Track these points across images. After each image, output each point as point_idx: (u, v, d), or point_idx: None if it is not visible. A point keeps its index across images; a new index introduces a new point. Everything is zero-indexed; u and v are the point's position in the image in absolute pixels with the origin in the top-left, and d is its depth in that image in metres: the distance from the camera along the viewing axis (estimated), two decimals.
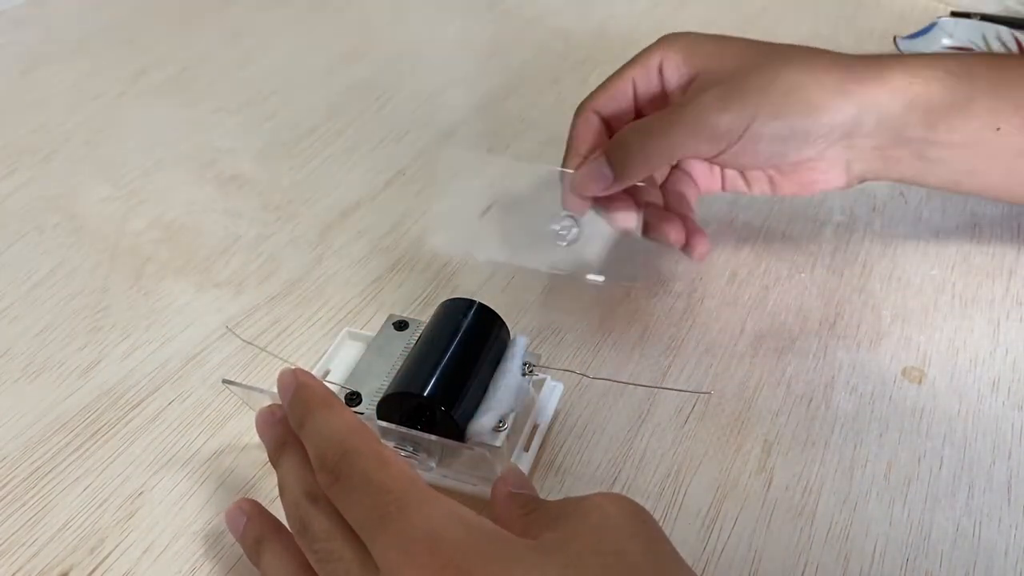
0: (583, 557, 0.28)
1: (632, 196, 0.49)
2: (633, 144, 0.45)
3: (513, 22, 0.83)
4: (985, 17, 0.77)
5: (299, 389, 0.34)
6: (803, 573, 0.39)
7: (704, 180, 0.53)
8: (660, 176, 0.52)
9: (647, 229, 0.49)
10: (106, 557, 0.40)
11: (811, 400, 0.47)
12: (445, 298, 0.45)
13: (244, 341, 0.49)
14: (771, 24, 0.82)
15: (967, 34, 0.75)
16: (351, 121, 0.69)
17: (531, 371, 0.43)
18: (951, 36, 0.75)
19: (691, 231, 0.49)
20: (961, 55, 0.49)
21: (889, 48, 0.76)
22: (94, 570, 0.39)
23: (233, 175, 0.63)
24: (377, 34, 0.80)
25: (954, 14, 0.78)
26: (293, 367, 0.36)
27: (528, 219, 0.53)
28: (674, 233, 0.48)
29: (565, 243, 0.49)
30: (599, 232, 0.51)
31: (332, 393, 0.35)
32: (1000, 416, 0.46)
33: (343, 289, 0.53)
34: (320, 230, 0.58)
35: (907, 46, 0.72)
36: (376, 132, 0.67)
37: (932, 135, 0.46)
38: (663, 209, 0.50)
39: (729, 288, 0.53)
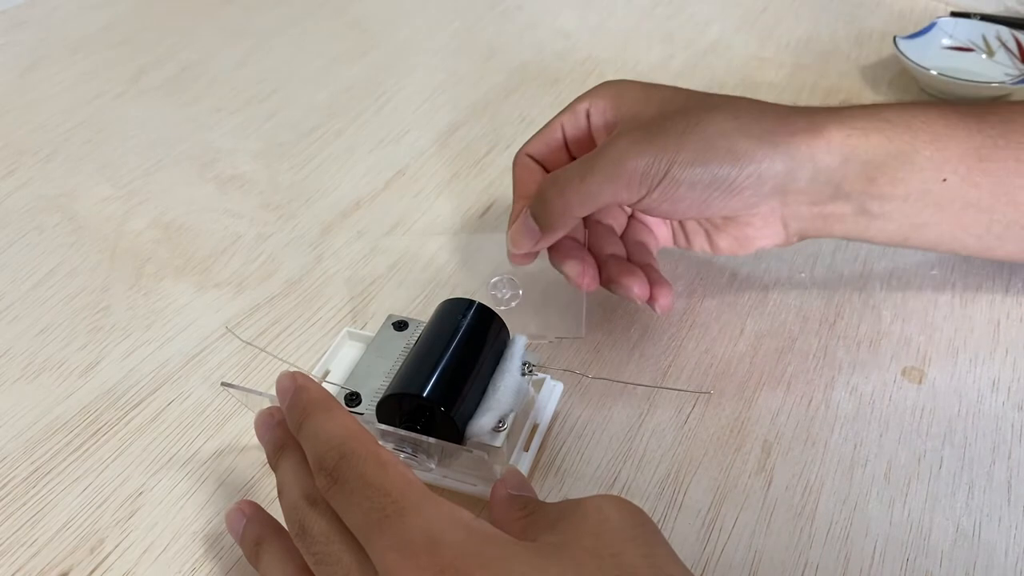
0: (581, 559, 0.28)
1: (591, 248, 0.48)
2: (551, 195, 0.44)
3: (513, 22, 0.83)
4: (985, 17, 0.77)
5: (297, 392, 0.34)
6: (803, 573, 0.39)
7: (659, 232, 0.51)
8: (619, 226, 0.51)
9: (609, 282, 0.47)
10: (106, 557, 0.40)
11: (811, 400, 0.47)
12: (445, 298, 0.45)
13: (244, 341, 0.49)
14: (771, 24, 0.82)
15: (967, 34, 0.75)
16: (351, 121, 0.69)
17: (531, 371, 0.43)
18: (951, 36, 0.75)
19: (654, 282, 0.46)
20: (901, 104, 0.45)
21: (889, 48, 0.76)
22: (94, 570, 0.39)
23: (233, 175, 0.63)
24: (377, 34, 0.80)
25: (954, 14, 0.78)
26: (292, 370, 0.36)
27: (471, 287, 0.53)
28: (637, 287, 0.46)
29: (503, 307, 0.47)
30: (540, 289, 0.51)
31: (330, 396, 0.35)
32: (1000, 416, 0.46)
33: (343, 289, 0.53)
34: (320, 230, 0.58)
35: (907, 46, 0.72)
36: (376, 132, 0.67)
37: (874, 188, 0.44)
38: (625, 260, 0.48)
39: (729, 288, 0.53)
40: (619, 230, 0.51)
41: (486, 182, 0.62)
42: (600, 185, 0.43)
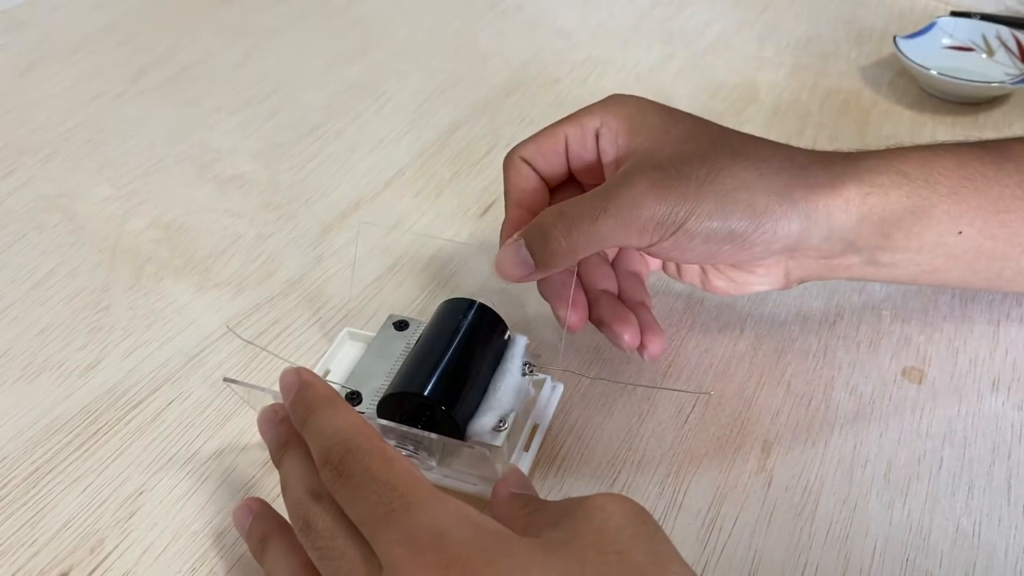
0: (585, 556, 0.28)
1: (581, 278, 0.45)
2: (556, 233, 0.40)
3: (513, 22, 0.83)
4: (985, 17, 0.77)
5: (302, 388, 0.35)
6: (803, 573, 0.39)
7: (651, 259, 0.49)
8: (611, 252, 0.48)
9: (600, 324, 0.45)
10: (106, 557, 0.40)
11: (811, 400, 0.47)
12: (445, 298, 0.45)
13: (244, 341, 0.49)
14: (771, 24, 0.82)
15: (967, 34, 0.75)
16: (351, 121, 0.69)
17: (531, 371, 0.43)
18: (951, 36, 0.75)
19: (645, 327, 0.44)
20: (920, 153, 0.43)
21: (889, 48, 0.76)
22: (94, 570, 0.39)
23: (233, 175, 0.63)
24: (377, 34, 0.80)
25: (954, 14, 0.78)
26: (295, 366, 0.36)
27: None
28: (628, 335, 0.43)
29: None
30: (524, 311, 0.49)
31: (335, 392, 0.35)
32: (1000, 416, 0.46)
33: (343, 289, 0.53)
34: (320, 230, 0.58)
35: (907, 46, 0.72)
36: (376, 132, 0.67)
37: (887, 243, 0.43)
38: (617, 300, 0.46)
39: None
40: (610, 256, 0.48)
41: (486, 182, 0.62)
42: (612, 230, 0.40)
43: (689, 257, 0.42)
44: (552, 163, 0.45)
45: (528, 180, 0.45)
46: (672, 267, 0.49)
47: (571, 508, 0.31)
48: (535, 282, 0.45)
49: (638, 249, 0.42)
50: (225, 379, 0.41)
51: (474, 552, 0.28)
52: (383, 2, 0.85)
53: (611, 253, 0.49)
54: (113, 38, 0.79)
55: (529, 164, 0.45)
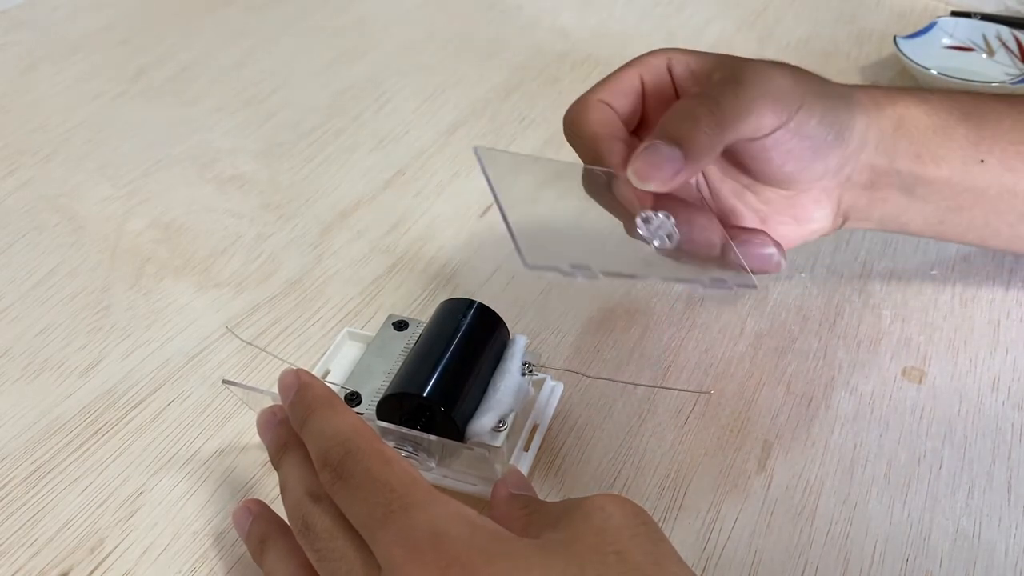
0: (585, 556, 0.28)
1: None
2: (701, 112, 0.39)
3: (513, 22, 0.83)
4: (985, 17, 0.77)
5: (301, 389, 0.35)
6: (803, 573, 0.39)
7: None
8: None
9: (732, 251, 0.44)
10: (106, 557, 0.40)
11: (811, 400, 0.47)
12: (445, 298, 0.45)
13: (244, 341, 0.49)
14: (771, 24, 0.82)
15: (967, 34, 0.75)
16: (351, 121, 0.69)
17: (531, 371, 0.43)
18: (951, 36, 0.75)
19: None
20: (944, 89, 0.48)
21: (889, 48, 0.76)
22: (94, 570, 0.39)
23: (233, 175, 0.63)
24: (377, 34, 0.80)
25: (954, 14, 0.78)
26: (294, 367, 0.36)
27: (607, 225, 0.44)
28: (772, 250, 0.45)
29: (658, 243, 0.42)
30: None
31: (334, 393, 0.35)
32: (1000, 416, 0.46)
33: (343, 289, 0.53)
34: (320, 230, 0.58)
35: (907, 46, 0.72)
36: (376, 132, 0.67)
37: (919, 167, 0.45)
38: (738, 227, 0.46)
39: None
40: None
41: (486, 182, 0.62)
42: (754, 101, 0.40)
43: (785, 162, 0.43)
44: (630, 101, 0.44)
45: (611, 121, 0.43)
46: (748, 215, 0.47)
47: (570, 509, 0.31)
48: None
49: (761, 137, 0.41)
50: (224, 381, 0.41)
51: (473, 553, 0.28)
52: (383, 2, 0.85)
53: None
54: (113, 38, 0.79)
55: (609, 106, 0.43)
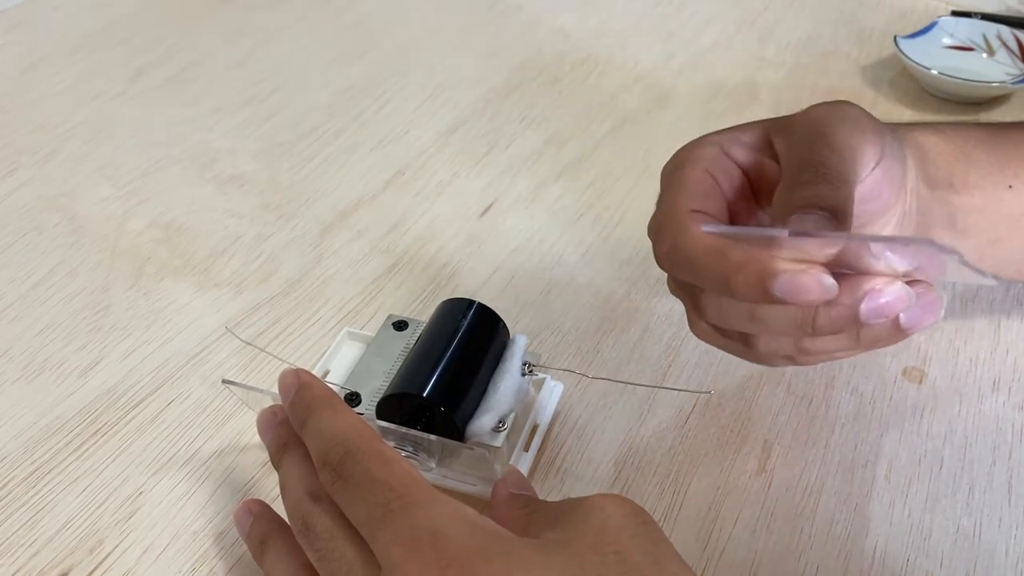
0: (584, 556, 0.28)
1: None
2: (818, 174, 0.35)
3: (513, 22, 0.83)
4: (985, 16, 0.77)
5: (301, 389, 0.35)
6: (803, 573, 0.39)
7: None
8: None
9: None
10: (106, 557, 0.40)
11: (811, 400, 0.47)
12: (445, 298, 0.45)
13: (244, 341, 0.49)
14: (771, 24, 0.82)
15: (967, 33, 0.75)
16: (351, 121, 0.69)
17: (531, 371, 0.43)
18: (951, 36, 0.75)
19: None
20: (948, 121, 0.46)
21: (889, 48, 0.76)
22: (94, 570, 0.39)
23: (233, 175, 0.63)
24: (377, 34, 0.80)
25: (955, 13, 0.78)
26: (294, 367, 0.36)
27: None
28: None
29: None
30: None
31: (334, 393, 0.35)
32: (1000, 416, 0.46)
33: (343, 289, 0.53)
34: (320, 230, 0.58)
35: (907, 46, 0.72)
36: (376, 132, 0.67)
37: (954, 196, 0.42)
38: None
39: None
40: None
41: (486, 182, 0.62)
42: (850, 139, 0.36)
43: (881, 192, 0.39)
44: (715, 202, 0.38)
45: (719, 250, 0.35)
46: None
47: (570, 508, 0.31)
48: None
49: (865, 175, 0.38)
50: (224, 381, 0.41)
51: (472, 552, 0.28)
52: (383, 2, 0.85)
53: None
54: (113, 38, 0.79)
55: (703, 212, 0.37)
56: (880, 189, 0.39)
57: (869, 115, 0.40)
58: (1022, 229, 0.45)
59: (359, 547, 0.30)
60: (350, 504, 0.30)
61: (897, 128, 0.43)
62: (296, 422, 0.34)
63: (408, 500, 0.29)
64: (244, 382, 0.47)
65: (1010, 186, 0.44)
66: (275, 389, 0.36)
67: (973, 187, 0.44)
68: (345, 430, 0.32)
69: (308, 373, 0.35)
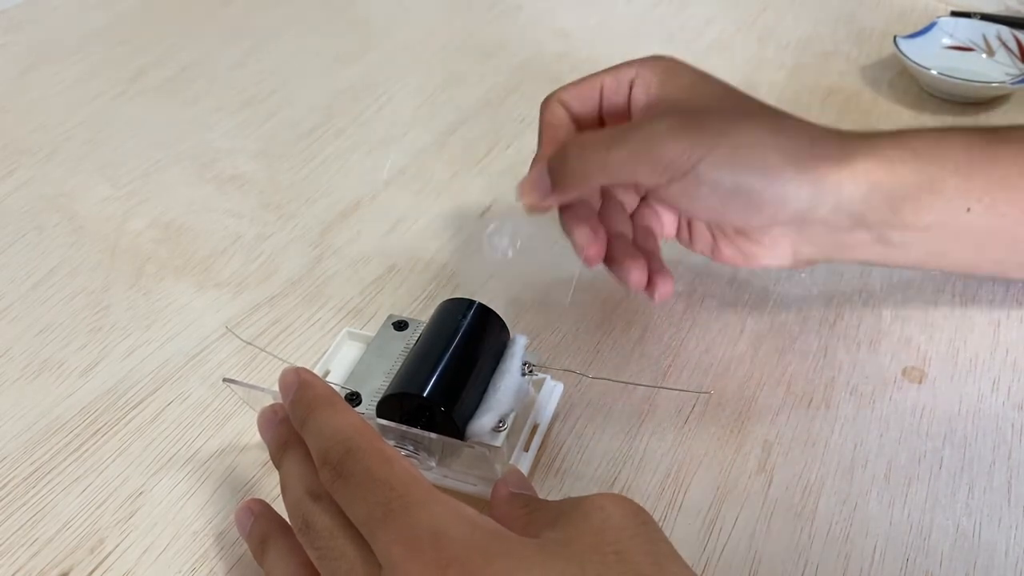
0: (584, 556, 0.29)
1: (601, 220, 0.46)
2: (572, 155, 0.43)
3: (513, 22, 0.83)
4: (985, 16, 0.77)
5: (301, 388, 0.35)
6: (803, 573, 0.39)
7: (666, 221, 0.49)
8: (629, 206, 0.49)
9: (611, 261, 0.45)
10: (106, 557, 0.40)
11: (811, 400, 0.47)
12: (445, 298, 0.45)
13: (244, 341, 0.49)
14: (771, 24, 0.82)
15: (967, 34, 0.75)
16: (351, 121, 0.69)
17: (531, 371, 0.43)
18: (951, 36, 0.75)
19: (655, 270, 0.45)
20: (928, 132, 0.44)
21: (889, 48, 0.76)
22: (94, 570, 0.39)
23: (233, 175, 0.63)
24: (377, 34, 0.80)
25: (954, 13, 0.78)
26: (295, 366, 0.36)
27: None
28: (636, 273, 0.44)
29: (499, 255, 0.46)
30: (537, 247, 0.49)
31: (334, 392, 0.35)
32: (1000, 416, 0.46)
33: (343, 289, 0.53)
34: (320, 230, 0.58)
35: (907, 46, 0.72)
36: (376, 132, 0.67)
37: (896, 219, 0.43)
38: (630, 243, 0.46)
39: (729, 288, 0.53)
40: (629, 210, 0.49)
41: (486, 182, 0.62)
42: (624, 160, 0.42)
43: (696, 209, 0.44)
44: (586, 106, 0.47)
45: (561, 120, 0.47)
46: (684, 234, 0.49)
47: (570, 508, 0.31)
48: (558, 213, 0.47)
49: (648, 187, 0.44)
50: (225, 379, 0.41)
51: (472, 552, 0.28)
52: (383, 2, 0.85)
53: (629, 207, 0.49)
54: (113, 38, 0.79)
55: (564, 107, 0.47)
56: (696, 204, 0.43)
57: (697, 145, 0.41)
58: (971, 243, 0.44)
59: (360, 546, 0.30)
60: (350, 503, 0.30)
61: (840, 152, 0.42)
62: (296, 421, 0.34)
63: (408, 499, 0.29)
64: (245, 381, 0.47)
65: (968, 209, 0.43)
66: (276, 388, 0.36)
67: (922, 212, 0.43)
68: (346, 429, 0.32)
69: (309, 372, 0.35)
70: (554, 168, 0.44)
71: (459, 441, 0.40)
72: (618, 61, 0.47)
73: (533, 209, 0.45)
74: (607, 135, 0.43)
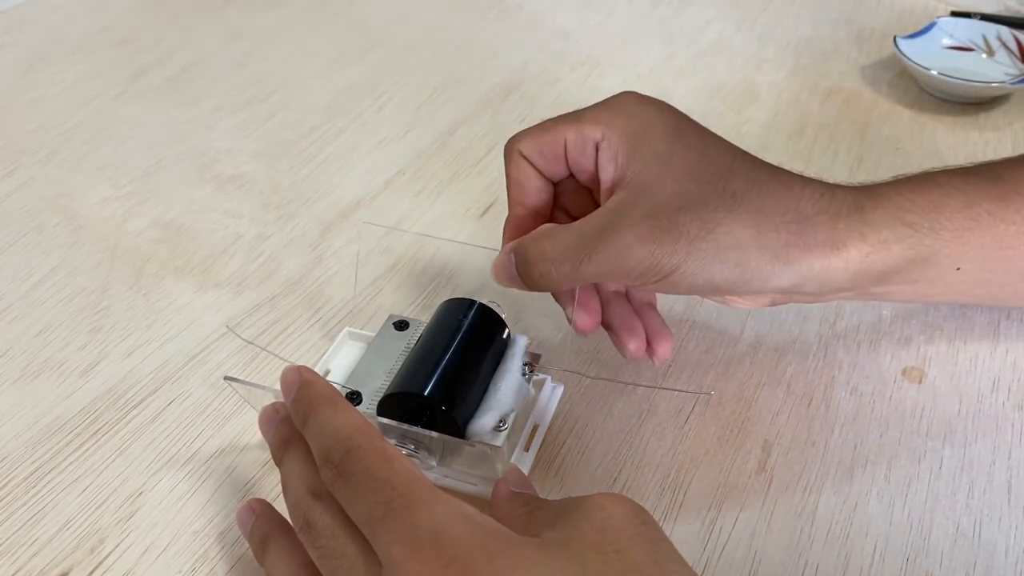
0: (585, 555, 0.29)
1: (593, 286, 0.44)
2: (540, 266, 0.40)
3: (513, 22, 0.83)
4: (985, 17, 0.77)
5: (303, 386, 0.35)
6: (803, 573, 0.39)
7: None
8: None
9: (609, 328, 0.44)
10: (106, 557, 0.40)
11: (811, 400, 0.47)
12: (445, 298, 0.45)
13: (244, 341, 0.49)
14: (771, 24, 0.82)
15: (967, 34, 0.75)
16: (351, 121, 0.69)
17: (531, 371, 0.43)
18: (951, 36, 0.75)
19: (653, 332, 0.44)
20: (928, 192, 0.42)
21: (889, 48, 0.76)
22: (94, 570, 0.39)
23: (233, 175, 0.63)
24: (377, 34, 0.80)
25: (954, 14, 0.78)
26: (296, 365, 0.36)
27: None
28: (633, 344, 0.43)
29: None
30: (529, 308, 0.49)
31: (336, 390, 0.35)
32: (1000, 416, 0.46)
33: (343, 289, 0.53)
34: (320, 230, 0.58)
35: (907, 46, 0.72)
36: (376, 132, 0.67)
37: (881, 287, 0.42)
38: (627, 303, 0.45)
39: None
40: None
41: (486, 182, 0.62)
42: (595, 273, 0.39)
43: (675, 293, 0.43)
44: (551, 164, 0.44)
45: (528, 177, 0.44)
46: None
47: (571, 508, 0.31)
48: None
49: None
50: (226, 378, 0.41)
51: (473, 550, 0.28)
52: (383, 2, 0.85)
53: None
54: (113, 38, 0.79)
55: (529, 161, 0.44)
56: (677, 289, 0.41)
57: (676, 247, 0.39)
58: (958, 292, 0.44)
59: (360, 545, 0.30)
60: (351, 502, 0.31)
61: (844, 244, 0.40)
62: (298, 419, 0.34)
63: (409, 499, 0.29)
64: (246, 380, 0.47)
65: (958, 268, 0.42)
66: (277, 387, 0.36)
67: (915, 279, 0.42)
68: (347, 428, 0.32)
69: (310, 370, 0.35)
70: (523, 271, 0.41)
71: (460, 440, 0.40)
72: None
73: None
74: (575, 248, 0.39)
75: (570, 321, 0.44)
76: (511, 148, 0.44)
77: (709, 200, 0.39)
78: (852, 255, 0.40)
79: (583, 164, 0.43)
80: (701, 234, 0.39)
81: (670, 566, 0.29)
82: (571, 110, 0.47)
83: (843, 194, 0.41)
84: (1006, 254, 0.43)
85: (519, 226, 0.43)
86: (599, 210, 0.41)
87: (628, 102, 0.43)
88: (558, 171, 0.44)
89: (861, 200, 0.41)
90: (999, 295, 0.46)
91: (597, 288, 0.45)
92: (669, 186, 0.40)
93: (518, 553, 0.28)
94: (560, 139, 0.43)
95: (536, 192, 0.44)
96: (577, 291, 0.43)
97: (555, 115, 0.45)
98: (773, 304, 0.45)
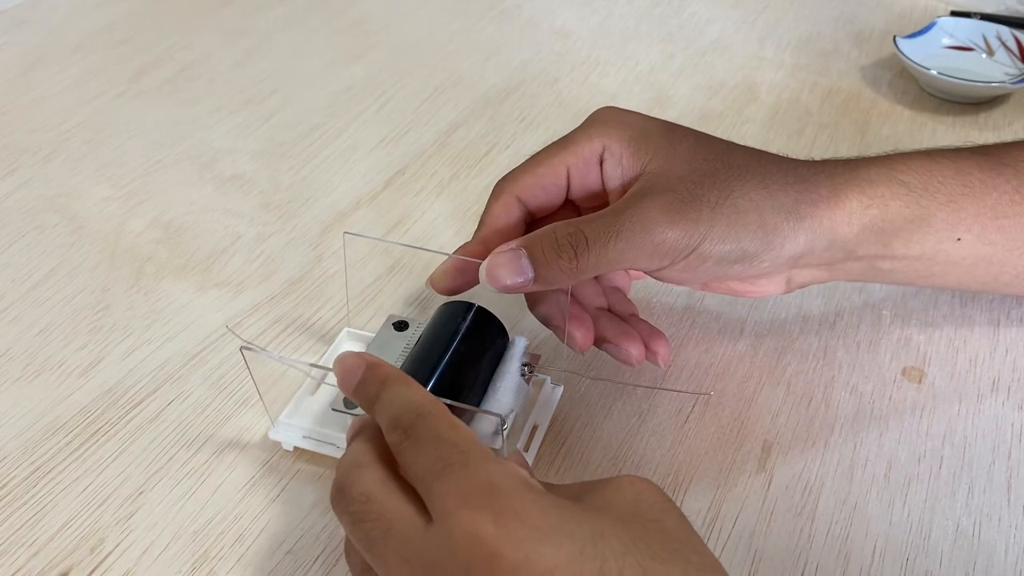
0: (627, 520, 0.29)
1: (574, 297, 0.44)
2: (567, 250, 0.39)
3: (513, 22, 0.83)
4: (985, 16, 0.77)
5: (372, 367, 0.35)
6: (803, 573, 0.39)
7: (632, 271, 0.48)
8: None
9: (602, 342, 0.44)
10: (106, 557, 0.40)
11: (811, 400, 0.47)
12: (444, 300, 0.45)
13: (244, 341, 0.49)
14: (771, 24, 0.82)
15: (967, 34, 0.75)
16: (351, 121, 0.69)
17: (531, 372, 0.43)
18: (951, 36, 0.75)
19: (648, 336, 0.44)
20: (920, 160, 0.43)
21: (889, 48, 0.76)
22: (94, 570, 0.39)
23: (233, 175, 0.63)
24: (377, 34, 0.80)
25: (954, 13, 0.79)
26: (353, 352, 0.36)
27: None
28: (636, 350, 0.43)
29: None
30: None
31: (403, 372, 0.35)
32: (1000, 416, 0.46)
33: (343, 289, 0.53)
34: (320, 230, 0.58)
35: (907, 46, 0.72)
36: (376, 132, 0.67)
37: (887, 251, 0.43)
38: (614, 316, 0.45)
39: None
40: None
41: (486, 182, 0.62)
42: (623, 253, 0.39)
43: (697, 277, 0.43)
44: (551, 196, 0.44)
45: (511, 216, 0.43)
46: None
47: (596, 486, 0.32)
48: (526, 300, 0.45)
49: (647, 272, 0.42)
50: (242, 348, 0.41)
51: (526, 503, 0.29)
52: (383, 2, 0.85)
53: None
54: (113, 38, 0.79)
55: (521, 203, 0.43)
56: (692, 274, 0.41)
57: (693, 228, 0.39)
58: (960, 269, 0.44)
59: (399, 504, 0.31)
60: (414, 459, 0.31)
61: (843, 195, 0.41)
62: (367, 397, 0.34)
63: (468, 458, 0.30)
64: (243, 383, 0.47)
65: (958, 239, 0.43)
66: (300, 363, 0.36)
67: (912, 245, 0.43)
68: (420, 398, 0.33)
69: (373, 356, 0.36)
70: (542, 259, 0.39)
71: (472, 408, 0.40)
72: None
73: (506, 292, 0.40)
74: (601, 228, 0.39)
75: (569, 339, 0.43)
76: (504, 190, 0.44)
77: (719, 172, 0.41)
78: (854, 206, 0.41)
79: (588, 184, 0.43)
80: (720, 199, 0.40)
81: (698, 542, 0.30)
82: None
83: (836, 161, 0.44)
84: (1002, 224, 0.43)
85: (484, 250, 0.42)
86: (617, 201, 0.41)
87: (611, 115, 0.44)
88: (554, 202, 0.44)
89: (854, 163, 0.43)
90: (1000, 276, 0.45)
91: (580, 303, 0.45)
92: (680, 166, 0.41)
93: (569, 510, 0.29)
94: (561, 170, 0.43)
95: (514, 229, 0.44)
96: (567, 308, 0.43)
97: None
98: (788, 288, 0.45)
